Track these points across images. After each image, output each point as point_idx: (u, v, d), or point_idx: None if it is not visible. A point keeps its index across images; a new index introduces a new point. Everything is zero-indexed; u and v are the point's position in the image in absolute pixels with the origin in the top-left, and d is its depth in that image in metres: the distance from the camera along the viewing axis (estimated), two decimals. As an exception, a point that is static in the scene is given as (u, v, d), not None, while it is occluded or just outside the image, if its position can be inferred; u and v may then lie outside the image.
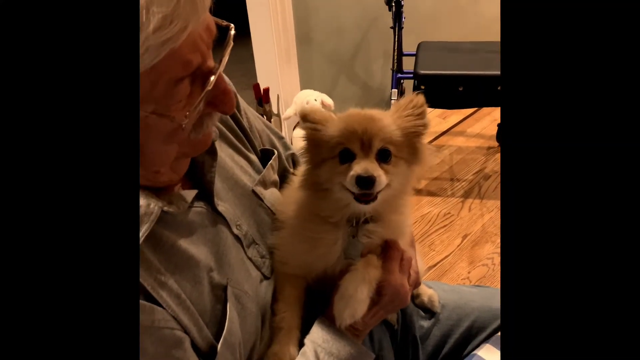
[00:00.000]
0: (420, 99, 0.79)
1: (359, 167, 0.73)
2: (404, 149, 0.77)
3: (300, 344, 0.80)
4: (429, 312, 1.05)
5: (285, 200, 0.91)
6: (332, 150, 0.76)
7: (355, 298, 0.75)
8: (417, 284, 0.94)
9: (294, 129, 2.36)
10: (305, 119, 0.80)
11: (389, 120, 0.77)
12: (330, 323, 0.79)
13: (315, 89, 2.32)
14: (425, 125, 0.79)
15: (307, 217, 0.83)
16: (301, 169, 0.85)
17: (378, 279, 0.79)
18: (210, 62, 0.63)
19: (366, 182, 0.72)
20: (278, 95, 2.38)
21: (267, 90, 2.29)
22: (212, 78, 0.62)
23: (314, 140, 0.80)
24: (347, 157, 0.75)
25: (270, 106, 2.34)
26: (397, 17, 2.42)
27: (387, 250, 0.83)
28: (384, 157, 0.75)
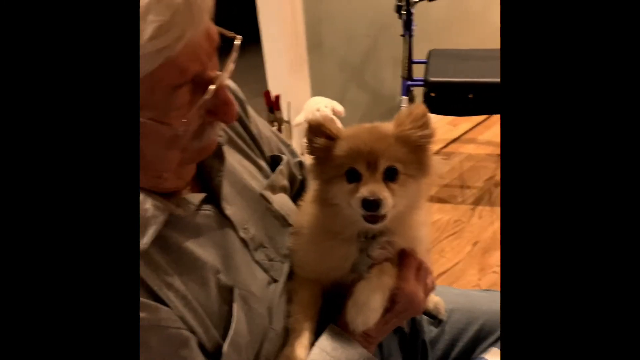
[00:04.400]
0: (421, 109, 0.77)
1: (365, 190, 0.72)
2: (411, 165, 0.76)
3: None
4: (435, 318, 1.04)
5: (302, 208, 0.92)
6: (338, 169, 0.76)
7: (368, 306, 0.75)
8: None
9: (304, 137, 2.37)
10: (317, 129, 0.78)
11: (394, 136, 0.75)
12: (340, 330, 0.79)
13: (325, 96, 2.33)
14: (430, 135, 0.77)
15: (319, 230, 0.83)
16: (314, 182, 0.85)
17: (392, 288, 0.79)
18: (213, 72, 0.64)
19: (372, 205, 0.71)
20: (289, 102, 2.40)
21: (277, 98, 2.31)
22: (212, 87, 0.63)
23: (321, 157, 0.79)
24: (354, 177, 0.75)
25: (280, 113, 2.35)
26: (408, 25, 2.42)
27: (404, 258, 0.83)
28: (391, 176, 0.74)
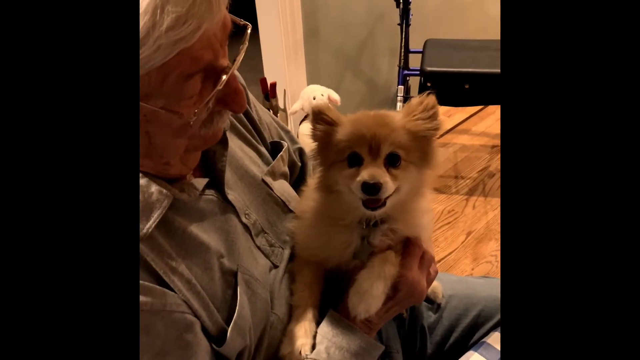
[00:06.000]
0: (432, 100, 0.77)
1: (366, 173, 0.72)
2: (414, 153, 0.76)
3: (318, 323, 0.81)
4: (433, 303, 1.05)
5: (305, 194, 0.92)
6: (340, 154, 0.76)
7: (371, 294, 0.75)
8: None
9: (300, 124, 2.36)
10: (318, 116, 0.79)
11: (398, 123, 0.76)
12: (340, 317, 0.80)
13: (321, 84, 2.32)
14: (437, 128, 0.77)
15: (321, 216, 0.84)
16: (317, 169, 0.86)
17: (394, 276, 0.79)
18: (224, 61, 0.63)
19: (372, 189, 0.71)
20: (285, 90, 2.39)
21: (274, 85, 2.30)
22: (224, 77, 0.62)
23: (323, 143, 0.79)
24: (355, 162, 0.75)
25: (276, 101, 2.34)
26: (405, 14, 2.42)
27: (408, 247, 0.83)
28: (392, 161, 0.74)
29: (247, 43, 0.66)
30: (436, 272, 0.91)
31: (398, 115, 0.78)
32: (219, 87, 0.62)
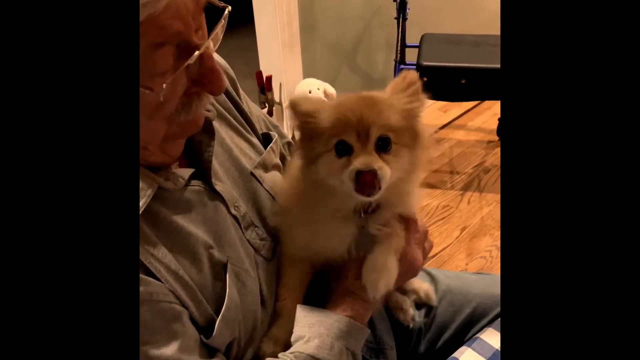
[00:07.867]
0: (414, 75, 0.74)
1: (359, 162, 0.68)
2: (404, 134, 0.71)
3: None
4: (427, 306, 1.03)
5: (286, 186, 0.88)
6: (326, 144, 0.71)
7: (388, 268, 0.75)
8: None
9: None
10: (295, 110, 0.74)
11: (385, 103, 0.71)
12: (311, 307, 0.78)
13: (317, 78, 2.31)
14: (420, 104, 0.74)
15: (310, 211, 0.80)
16: (296, 161, 0.81)
17: (402, 248, 0.79)
18: (200, 40, 0.62)
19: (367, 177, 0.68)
20: (280, 83, 2.37)
21: (269, 78, 2.28)
22: (196, 53, 0.61)
23: (307, 134, 0.74)
24: (344, 151, 0.70)
25: (272, 94, 2.33)
26: (402, 8, 2.41)
27: (405, 222, 0.82)
28: (383, 146, 0.70)
29: (224, 21, 0.64)
30: (431, 246, 0.91)
31: (383, 95, 0.74)
32: (191, 61, 0.60)
